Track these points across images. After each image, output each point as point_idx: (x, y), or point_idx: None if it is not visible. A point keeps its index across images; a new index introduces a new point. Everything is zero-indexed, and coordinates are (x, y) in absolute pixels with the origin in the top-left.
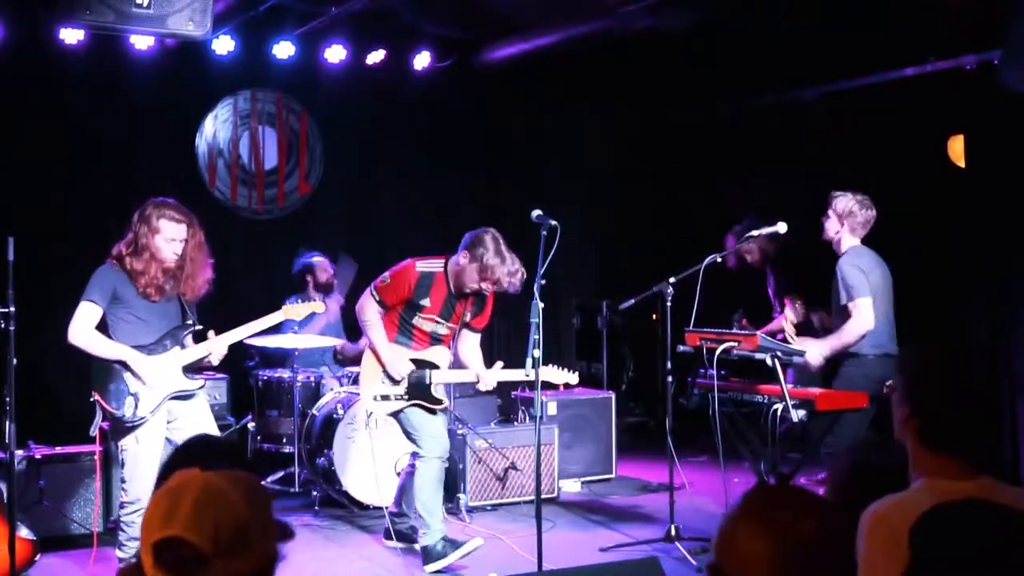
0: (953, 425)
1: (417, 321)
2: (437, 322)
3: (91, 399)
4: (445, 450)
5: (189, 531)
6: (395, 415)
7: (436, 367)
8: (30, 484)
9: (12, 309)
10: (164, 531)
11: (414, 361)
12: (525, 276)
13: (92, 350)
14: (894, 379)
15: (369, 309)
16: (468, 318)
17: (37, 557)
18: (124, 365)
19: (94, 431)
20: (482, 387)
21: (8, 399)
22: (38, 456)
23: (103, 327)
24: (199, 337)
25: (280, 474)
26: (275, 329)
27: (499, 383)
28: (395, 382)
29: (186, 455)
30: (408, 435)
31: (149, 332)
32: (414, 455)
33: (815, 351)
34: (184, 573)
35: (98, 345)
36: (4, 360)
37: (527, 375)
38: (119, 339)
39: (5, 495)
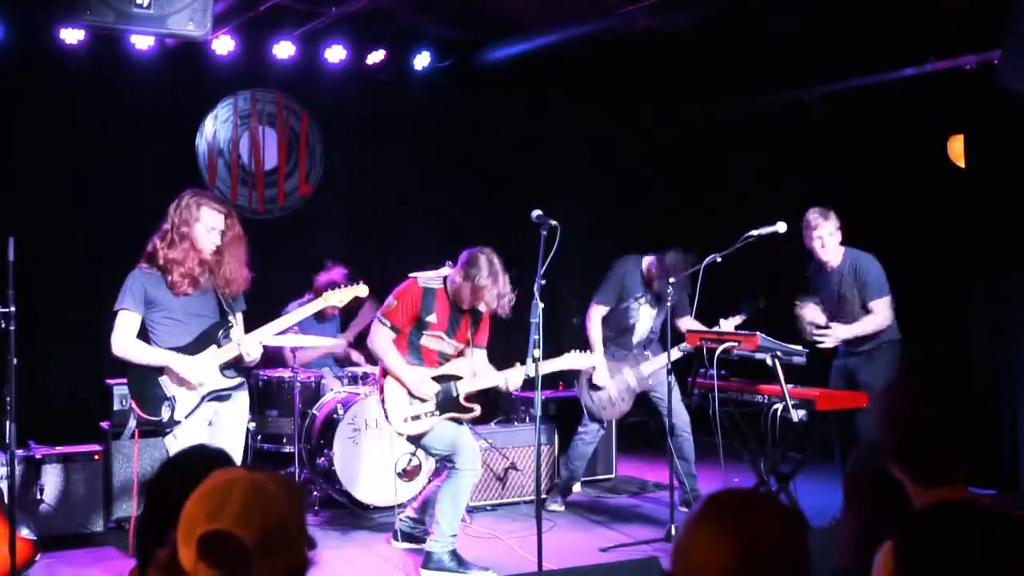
0: (942, 461)
1: (425, 340)
2: (443, 339)
3: (127, 405)
4: (479, 461)
5: (238, 526)
6: (423, 441)
7: (460, 378)
8: (30, 484)
9: (12, 309)
10: (212, 524)
11: (436, 378)
12: (513, 300)
13: (134, 359)
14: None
15: (380, 337)
16: (471, 334)
17: (37, 557)
18: (165, 369)
19: (127, 435)
20: (511, 388)
21: (8, 399)
22: (38, 456)
23: (143, 333)
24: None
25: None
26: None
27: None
28: (423, 401)
29: (174, 468)
30: (441, 454)
31: (186, 332)
32: (444, 468)
33: (842, 332)
34: (228, 567)
35: (139, 354)
36: (4, 360)
37: (529, 370)
38: (159, 343)
39: (5, 495)
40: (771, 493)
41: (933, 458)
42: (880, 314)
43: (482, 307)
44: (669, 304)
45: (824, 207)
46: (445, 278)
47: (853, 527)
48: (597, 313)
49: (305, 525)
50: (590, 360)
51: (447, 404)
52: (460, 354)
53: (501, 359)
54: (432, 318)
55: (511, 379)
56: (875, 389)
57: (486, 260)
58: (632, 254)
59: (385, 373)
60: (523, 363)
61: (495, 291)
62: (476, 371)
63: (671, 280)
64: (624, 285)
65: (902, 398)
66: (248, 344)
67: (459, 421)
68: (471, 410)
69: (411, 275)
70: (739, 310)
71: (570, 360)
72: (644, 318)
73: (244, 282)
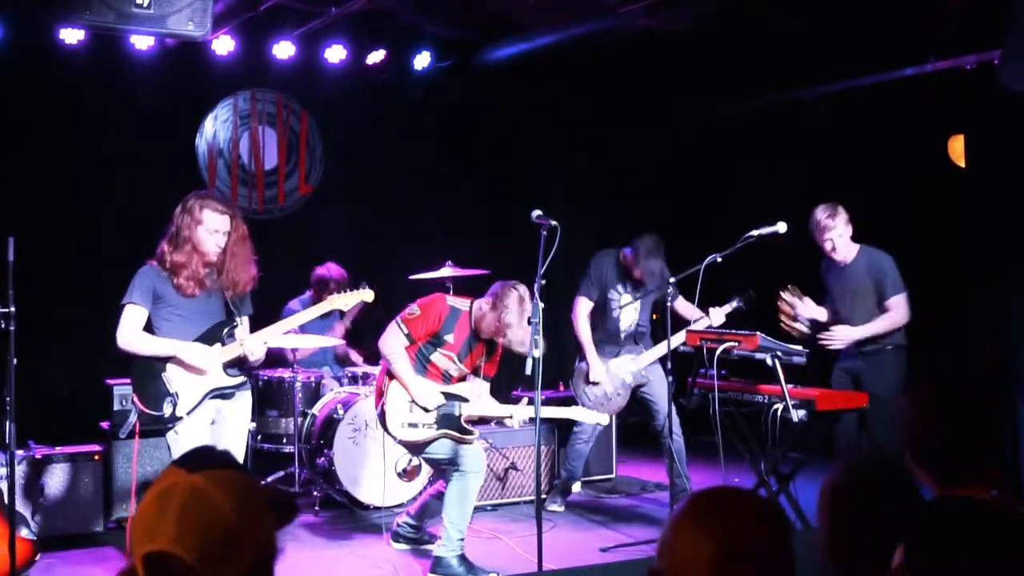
0: (963, 463)
1: (435, 357)
2: (453, 361)
3: (127, 405)
4: (484, 462)
5: (175, 545)
6: (422, 450)
7: (466, 400)
8: (30, 484)
9: (12, 309)
10: (151, 544)
11: (444, 394)
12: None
13: (140, 351)
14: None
15: (393, 341)
16: (481, 363)
17: (37, 557)
18: (171, 359)
19: (125, 432)
20: (512, 424)
21: (8, 399)
22: (38, 456)
23: (149, 328)
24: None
25: (280, 474)
26: None
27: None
28: (424, 411)
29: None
30: (444, 459)
31: (191, 329)
32: (448, 473)
33: (855, 333)
34: None
35: (145, 345)
36: (4, 360)
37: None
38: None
39: (5, 495)
40: (757, 492)
41: (960, 458)
42: (898, 311)
43: (498, 340)
44: (670, 305)
45: (831, 204)
46: (472, 303)
47: (831, 536)
48: (583, 307)
49: (262, 518)
50: (596, 417)
51: (447, 421)
52: (463, 378)
53: (503, 358)
54: (449, 338)
55: (517, 414)
56: (883, 397)
57: (517, 298)
58: (608, 248)
59: (390, 376)
60: (522, 365)
61: (521, 332)
62: (482, 398)
63: (671, 281)
64: (604, 278)
65: (934, 401)
66: (251, 344)
67: (454, 440)
68: (469, 433)
69: (440, 293)
70: (731, 300)
71: (575, 412)
72: (627, 310)
73: (250, 282)
